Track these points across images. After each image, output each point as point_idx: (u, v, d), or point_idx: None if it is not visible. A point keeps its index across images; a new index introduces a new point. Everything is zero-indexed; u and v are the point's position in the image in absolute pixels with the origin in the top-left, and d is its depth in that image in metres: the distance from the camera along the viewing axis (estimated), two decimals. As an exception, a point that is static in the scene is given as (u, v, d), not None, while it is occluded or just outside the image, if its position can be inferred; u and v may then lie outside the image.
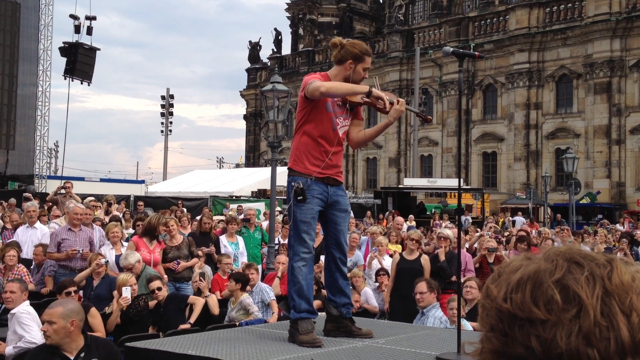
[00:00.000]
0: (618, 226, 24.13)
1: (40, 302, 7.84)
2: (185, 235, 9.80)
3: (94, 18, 25.13)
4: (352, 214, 22.21)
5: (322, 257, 5.16)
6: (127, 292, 6.90)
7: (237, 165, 61.57)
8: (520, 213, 31.44)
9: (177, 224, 9.80)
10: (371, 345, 4.63)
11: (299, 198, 4.61)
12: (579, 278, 0.94)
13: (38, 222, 10.72)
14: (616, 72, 37.07)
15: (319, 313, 5.07)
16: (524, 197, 35.12)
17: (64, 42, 24.79)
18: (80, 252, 8.65)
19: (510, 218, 28.21)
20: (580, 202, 32.95)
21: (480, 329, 1.02)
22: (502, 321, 0.96)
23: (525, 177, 40.51)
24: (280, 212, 20.87)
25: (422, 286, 6.97)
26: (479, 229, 17.79)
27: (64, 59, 24.59)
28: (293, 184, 4.64)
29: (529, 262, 1.00)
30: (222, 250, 10.26)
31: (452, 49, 4.69)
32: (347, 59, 4.71)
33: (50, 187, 26.82)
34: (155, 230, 8.88)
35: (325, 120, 4.71)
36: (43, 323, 4.80)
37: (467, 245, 11.73)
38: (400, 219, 13.76)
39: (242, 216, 13.34)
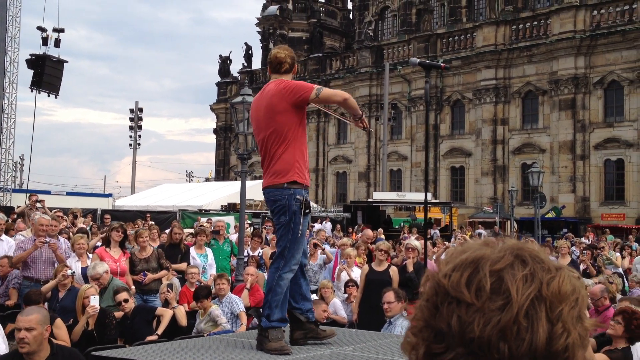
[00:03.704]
0: (583, 239, 24.53)
1: (4, 314, 7.73)
2: (155, 248, 9.74)
3: (62, 30, 24.91)
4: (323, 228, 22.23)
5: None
6: (95, 301, 6.83)
7: (207, 179, 61.22)
8: (481, 226, 31.88)
9: (149, 236, 9.77)
10: (339, 352, 4.67)
11: (306, 211, 4.63)
12: (516, 274, 0.95)
13: (4, 234, 10.55)
14: (580, 89, 37.85)
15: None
16: (491, 211, 35.54)
17: (31, 54, 24.52)
18: (48, 241, 8.58)
19: (476, 232, 28.54)
20: (546, 216, 33.44)
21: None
22: (437, 295, 0.98)
23: (492, 192, 41.02)
24: (251, 225, 20.81)
25: (389, 296, 7.03)
26: (446, 242, 17.96)
27: (31, 72, 24.30)
28: (299, 197, 4.60)
29: (483, 248, 1.01)
30: (192, 262, 10.20)
31: (418, 60, 4.83)
32: (295, 62, 4.92)
33: (15, 200, 26.34)
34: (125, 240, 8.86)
35: (305, 125, 4.78)
36: (12, 332, 4.73)
37: (434, 257, 11.83)
38: (368, 231, 13.82)
39: (211, 229, 13.28)
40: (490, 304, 0.93)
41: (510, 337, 0.91)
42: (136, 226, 15.85)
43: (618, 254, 15.77)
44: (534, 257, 0.98)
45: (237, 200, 19.85)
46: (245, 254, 12.00)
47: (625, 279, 12.99)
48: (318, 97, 4.55)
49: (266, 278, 6.25)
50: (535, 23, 40.62)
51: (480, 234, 26.53)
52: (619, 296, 9.05)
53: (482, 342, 0.92)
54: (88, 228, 14.64)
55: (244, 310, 8.21)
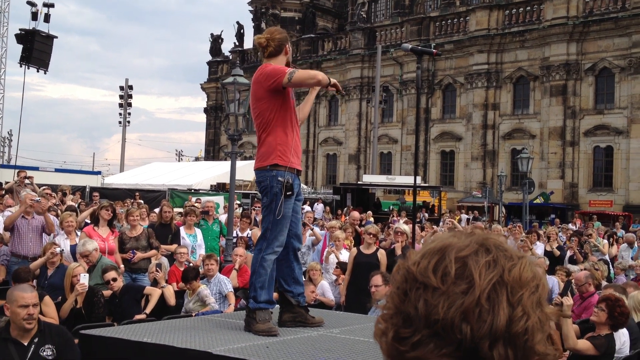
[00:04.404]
0: (570, 226, 24.73)
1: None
2: (145, 227, 9.74)
3: (52, 5, 24.66)
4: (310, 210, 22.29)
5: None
6: (84, 279, 6.85)
7: (197, 159, 61.09)
8: (462, 211, 32.31)
9: (140, 215, 9.77)
10: (326, 334, 4.71)
11: (288, 193, 4.64)
12: (480, 261, 1.01)
13: (-9, 210, 10.54)
14: (572, 75, 37.91)
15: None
16: (480, 195, 35.70)
17: (20, 29, 24.26)
18: (39, 200, 8.63)
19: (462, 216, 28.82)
20: (534, 201, 33.64)
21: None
22: (406, 281, 1.03)
23: (481, 176, 41.17)
24: (240, 205, 20.85)
25: (377, 279, 7.07)
26: (434, 226, 18.06)
27: (20, 46, 24.06)
28: (280, 178, 4.62)
29: (450, 238, 1.07)
30: (181, 243, 10.20)
31: (410, 46, 4.83)
32: (284, 44, 4.84)
33: (3, 176, 26.22)
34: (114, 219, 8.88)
35: (291, 109, 4.76)
36: (8, 308, 4.74)
37: (422, 241, 11.89)
38: (355, 213, 13.86)
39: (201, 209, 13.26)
40: (454, 288, 0.98)
41: (472, 319, 0.96)
42: (126, 205, 15.83)
43: (605, 241, 15.90)
44: (497, 246, 1.04)
45: (227, 180, 19.86)
46: (234, 234, 12.03)
47: (611, 265, 13.13)
48: (290, 81, 4.55)
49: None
50: (528, 8, 40.55)
51: (467, 219, 26.72)
52: (604, 283, 9.15)
53: (445, 323, 0.97)
54: (76, 205, 14.60)
55: (232, 290, 8.25)
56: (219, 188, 28.87)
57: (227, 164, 24.82)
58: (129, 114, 46.88)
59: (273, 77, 4.58)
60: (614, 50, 36.79)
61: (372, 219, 19.35)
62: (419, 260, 1.04)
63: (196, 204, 15.61)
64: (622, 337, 6.17)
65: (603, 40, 37.16)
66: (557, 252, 12.89)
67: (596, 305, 6.21)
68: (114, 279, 7.44)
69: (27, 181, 14.10)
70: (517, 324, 0.97)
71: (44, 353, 4.67)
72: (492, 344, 0.96)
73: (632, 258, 14.28)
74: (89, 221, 10.86)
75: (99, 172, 40.97)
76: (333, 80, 4.79)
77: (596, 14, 37.43)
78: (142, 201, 19.69)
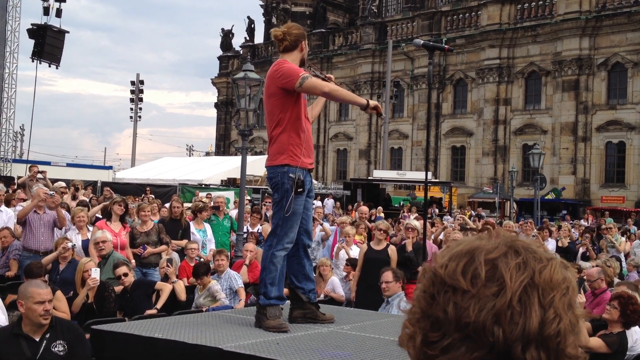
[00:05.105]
0: (582, 222, 24.59)
1: (4, 285, 7.79)
2: (155, 222, 9.77)
3: (64, 0, 24.73)
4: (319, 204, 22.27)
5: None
6: (95, 274, 6.89)
7: (207, 154, 61.21)
8: (480, 209, 32.12)
9: (150, 211, 9.80)
10: (336, 331, 4.70)
11: (299, 190, 4.64)
12: (510, 262, 1.00)
13: (3, 205, 10.59)
14: (584, 70, 37.64)
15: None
16: (491, 191, 35.56)
17: (32, 24, 24.36)
18: (52, 194, 8.70)
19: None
20: (546, 197, 33.46)
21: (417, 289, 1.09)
22: (434, 285, 1.02)
23: (492, 172, 41.00)
24: (250, 201, 20.85)
25: (387, 275, 7.07)
26: (444, 222, 18.01)
27: (32, 41, 24.16)
28: (291, 175, 4.62)
29: (477, 240, 1.06)
30: (191, 238, 10.23)
31: (422, 42, 4.80)
32: (300, 40, 4.80)
33: (15, 170, 26.36)
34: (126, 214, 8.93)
35: (303, 109, 4.74)
36: (11, 303, 4.77)
37: (432, 237, 11.86)
38: (363, 207, 13.84)
39: (211, 204, 13.28)
40: (485, 291, 0.97)
41: (504, 322, 0.95)
42: (137, 200, 15.89)
43: (623, 238, 15.74)
44: (526, 248, 1.03)
45: (237, 175, 19.86)
46: (245, 230, 12.04)
47: (623, 262, 13.05)
48: (301, 86, 4.52)
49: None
50: (540, 2, 40.27)
51: (479, 216, 26.62)
52: (616, 280, 9.09)
53: (477, 326, 0.96)
54: (87, 200, 14.65)
55: (243, 286, 8.27)
56: (229, 183, 28.91)
57: (237, 159, 24.80)
58: (140, 109, 47.03)
59: (287, 78, 4.54)
60: (626, 45, 36.49)
61: (382, 215, 19.33)
62: (446, 263, 1.03)
63: (205, 199, 15.65)
64: (635, 335, 6.13)
65: (616, 35, 36.86)
66: (566, 244, 13.03)
67: (609, 303, 6.17)
68: (125, 274, 7.46)
69: (39, 176, 14.17)
70: (550, 326, 0.96)
71: (56, 349, 4.69)
72: (524, 347, 0.95)
73: (644, 255, 14.16)
74: (99, 216, 10.91)
75: (110, 167, 41.12)
76: (373, 103, 4.74)
77: (609, 8, 37.13)
78: (153, 196, 19.76)
